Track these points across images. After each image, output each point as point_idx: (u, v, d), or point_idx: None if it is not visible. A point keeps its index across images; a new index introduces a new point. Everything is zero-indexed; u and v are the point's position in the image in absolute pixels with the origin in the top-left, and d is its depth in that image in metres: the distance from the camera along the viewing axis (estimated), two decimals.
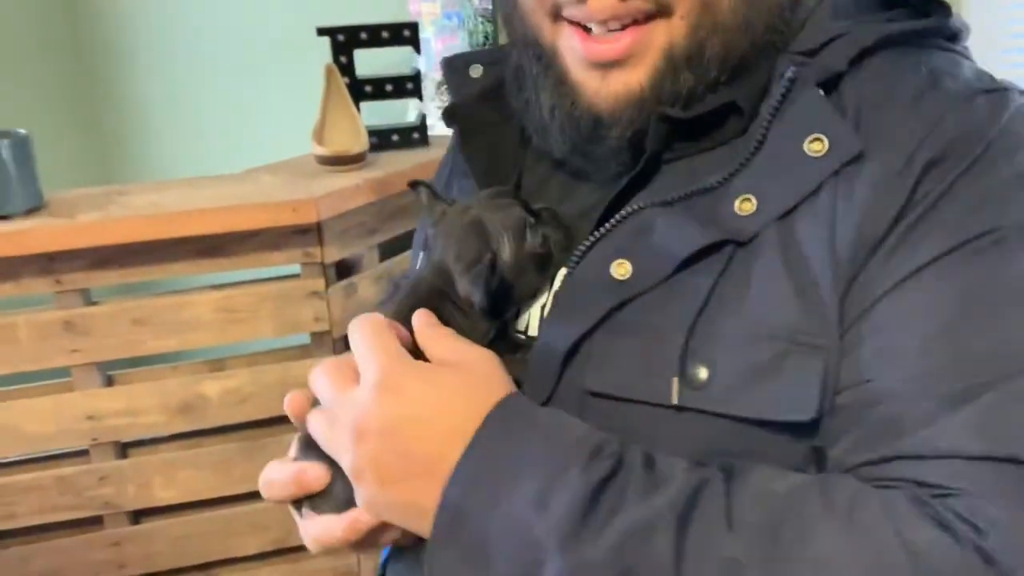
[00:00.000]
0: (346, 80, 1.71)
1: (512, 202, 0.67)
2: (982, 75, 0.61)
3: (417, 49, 1.79)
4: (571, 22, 0.63)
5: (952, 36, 0.64)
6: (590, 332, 0.59)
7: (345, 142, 1.65)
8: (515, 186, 0.75)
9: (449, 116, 0.77)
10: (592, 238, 0.62)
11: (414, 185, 0.72)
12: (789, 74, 0.60)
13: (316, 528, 0.61)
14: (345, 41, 1.73)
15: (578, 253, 0.63)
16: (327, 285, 1.59)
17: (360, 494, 0.57)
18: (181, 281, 1.71)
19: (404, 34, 1.76)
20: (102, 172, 2.28)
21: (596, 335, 0.59)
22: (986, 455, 0.48)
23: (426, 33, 1.94)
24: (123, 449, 1.62)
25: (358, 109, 1.70)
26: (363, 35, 1.74)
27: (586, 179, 0.70)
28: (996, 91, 0.59)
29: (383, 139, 1.78)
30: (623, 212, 0.62)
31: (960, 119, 0.56)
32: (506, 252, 0.64)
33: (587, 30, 0.62)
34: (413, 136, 1.83)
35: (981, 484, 0.48)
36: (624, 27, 0.61)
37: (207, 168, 1.89)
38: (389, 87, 1.79)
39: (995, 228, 0.53)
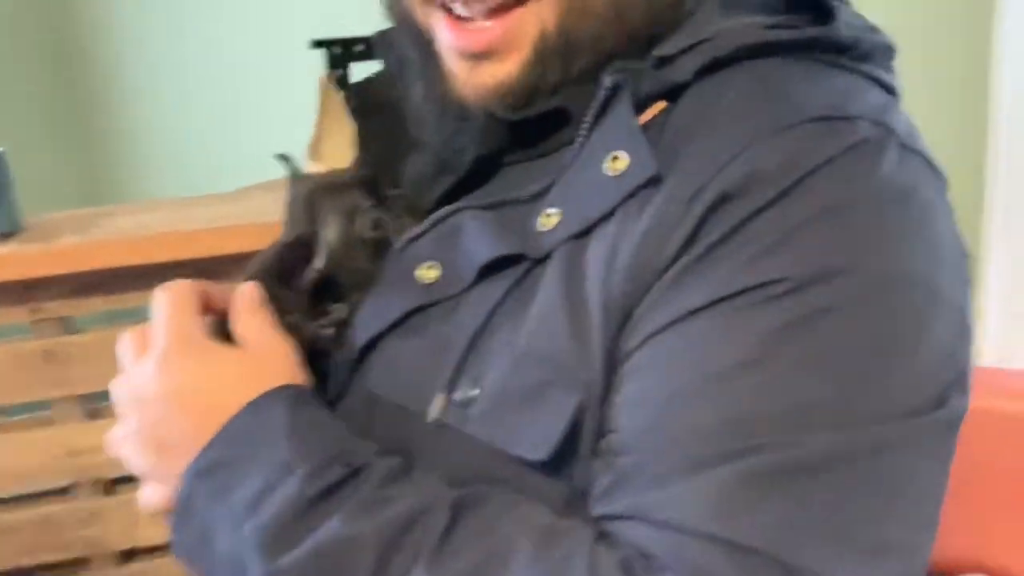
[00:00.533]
0: (342, 94, 1.62)
1: (352, 182, 0.67)
2: (839, 100, 0.52)
3: None
4: (441, 5, 0.59)
5: (843, 48, 0.56)
6: (385, 332, 0.58)
7: (341, 158, 1.56)
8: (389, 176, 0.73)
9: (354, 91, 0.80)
10: (408, 236, 0.60)
11: (282, 158, 0.76)
12: (608, 83, 0.54)
13: (141, 494, 0.62)
14: (341, 55, 1.64)
15: (395, 250, 0.61)
16: None
17: (135, 462, 0.59)
18: None
19: None
20: (84, 194, 2.18)
21: (391, 337, 0.58)
22: (713, 535, 0.44)
23: None
24: (108, 486, 1.53)
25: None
26: (359, 48, 1.65)
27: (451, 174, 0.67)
28: (835, 119, 0.50)
29: None
30: (443, 212, 0.59)
31: (771, 148, 0.49)
32: (331, 233, 0.63)
33: (457, 18, 0.58)
34: None
35: (701, 567, 0.44)
36: (492, 12, 0.56)
37: (197, 187, 1.80)
38: None
39: (782, 278, 0.46)
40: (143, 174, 2.20)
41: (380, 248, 0.63)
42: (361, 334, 0.59)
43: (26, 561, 1.49)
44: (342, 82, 1.64)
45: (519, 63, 0.57)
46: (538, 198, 0.56)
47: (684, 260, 0.48)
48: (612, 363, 0.50)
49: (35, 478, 1.47)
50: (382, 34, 0.77)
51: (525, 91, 0.58)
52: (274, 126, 2.05)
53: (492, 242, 0.55)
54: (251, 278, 0.64)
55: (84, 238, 1.39)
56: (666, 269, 0.49)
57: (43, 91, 2.16)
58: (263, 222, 1.41)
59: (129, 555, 1.55)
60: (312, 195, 0.67)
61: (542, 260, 0.54)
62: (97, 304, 1.44)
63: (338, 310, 0.64)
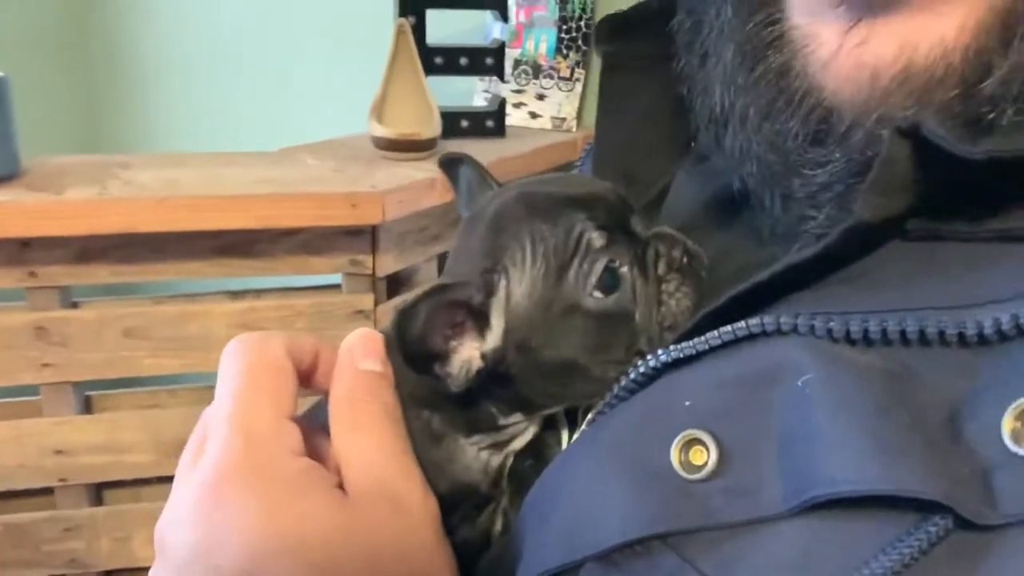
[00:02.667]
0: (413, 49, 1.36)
1: (595, 196, 0.42)
2: None
3: (504, 15, 1.44)
4: None
5: None
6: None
7: (413, 123, 1.30)
8: (657, 196, 0.49)
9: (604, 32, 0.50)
10: (673, 351, 0.37)
11: (450, 163, 0.50)
12: None
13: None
14: None
15: (635, 375, 0.38)
16: (376, 303, 1.27)
17: None
18: (189, 284, 1.37)
19: None
20: (94, 137, 1.90)
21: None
22: None
23: None
24: (97, 493, 1.31)
25: None
26: None
27: (769, 225, 0.41)
28: None
29: (449, 124, 1.43)
30: (758, 323, 0.35)
31: None
32: (516, 285, 0.40)
33: None
34: (487, 124, 1.49)
35: None
36: None
37: (228, 143, 1.53)
38: (464, 60, 1.45)
39: None
40: (166, 122, 1.91)
41: (615, 326, 0.41)
42: (554, 552, 0.35)
43: None
44: (419, 31, 1.38)
45: (971, 18, 0.32)
46: (992, 350, 0.30)
47: None
48: None
49: (12, 477, 1.24)
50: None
51: (976, 89, 0.32)
52: (330, 75, 1.78)
53: (863, 446, 0.29)
54: (406, 342, 0.39)
55: (98, 191, 1.12)
56: None
57: (53, 15, 1.87)
58: (320, 192, 1.17)
59: None
60: (502, 216, 0.42)
61: (999, 527, 0.28)
62: (102, 274, 1.20)
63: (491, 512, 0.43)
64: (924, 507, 0.28)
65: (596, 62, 1.60)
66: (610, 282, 0.39)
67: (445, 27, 1.51)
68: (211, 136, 1.79)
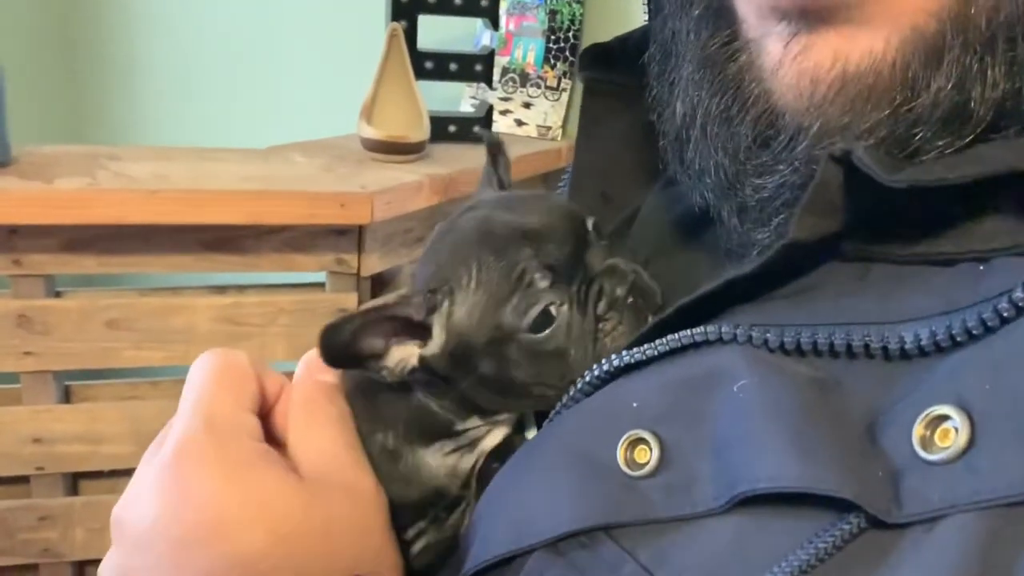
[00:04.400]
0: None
1: (551, 229, 0.43)
2: None
3: (495, 23, 1.46)
4: None
5: None
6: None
7: (402, 125, 1.32)
8: (630, 217, 0.51)
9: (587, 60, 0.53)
10: (624, 357, 0.39)
11: (496, 147, 0.51)
12: None
13: None
14: (409, 3, 1.40)
15: (590, 378, 0.40)
16: (359, 302, 1.28)
17: None
18: (174, 278, 1.37)
19: (481, 2, 1.44)
20: (80, 129, 1.89)
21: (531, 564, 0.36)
22: None
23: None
24: (73, 483, 1.30)
25: None
26: None
27: (726, 242, 0.43)
28: None
29: (436, 129, 1.45)
30: (702, 332, 0.37)
31: None
32: (459, 307, 0.43)
33: None
34: (473, 130, 1.50)
35: None
36: None
37: (215, 140, 1.53)
38: (454, 66, 1.47)
39: None
40: (152, 117, 1.90)
41: (548, 352, 0.42)
42: (504, 538, 0.37)
43: None
44: (410, 35, 1.40)
45: (898, 32, 0.34)
46: (911, 363, 0.32)
47: None
48: None
49: None
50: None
51: (904, 110, 0.34)
52: (320, 76, 1.79)
53: (786, 448, 0.31)
54: (328, 348, 0.41)
55: (86, 182, 1.12)
56: None
57: (39, 5, 1.86)
58: (310, 191, 1.18)
59: (87, 566, 1.33)
60: (460, 238, 0.45)
61: (905, 525, 0.29)
62: (88, 265, 1.19)
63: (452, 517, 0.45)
64: (839, 506, 0.30)
65: None
66: (544, 323, 0.41)
67: (435, 33, 1.52)
68: (198, 132, 1.79)
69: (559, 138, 1.61)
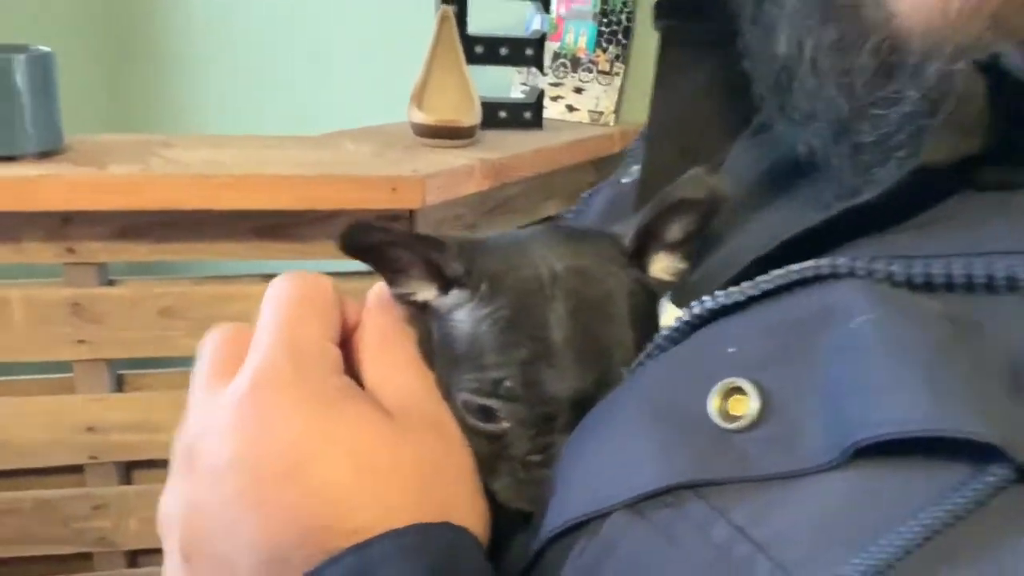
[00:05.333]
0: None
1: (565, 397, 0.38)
2: None
3: (546, 6, 1.44)
4: None
5: None
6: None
7: (453, 110, 1.30)
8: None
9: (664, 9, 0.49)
10: (719, 298, 0.35)
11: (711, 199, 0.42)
12: None
13: None
14: None
15: (678, 324, 0.36)
16: None
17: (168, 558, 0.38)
18: (226, 266, 1.37)
19: None
20: (127, 118, 1.89)
21: (628, 517, 0.32)
22: None
23: None
24: (126, 472, 1.30)
25: None
26: None
27: (835, 187, 0.38)
28: None
29: (487, 114, 1.42)
30: (812, 266, 0.33)
31: None
32: (458, 310, 0.40)
33: None
34: (524, 116, 1.48)
35: None
36: None
37: (265, 129, 1.53)
38: (504, 51, 1.44)
39: None
40: (202, 104, 1.90)
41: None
42: (581, 501, 0.33)
43: (19, 551, 1.25)
44: (460, 21, 1.38)
45: None
46: None
47: None
48: None
49: (46, 453, 1.24)
50: None
51: None
52: (368, 64, 1.77)
53: (916, 387, 0.27)
54: (349, 242, 0.40)
55: (139, 167, 1.12)
56: None
57: None
58: (362, 175, 1.16)
59: (140, 555, 1.32)
60: (509, 271, 0.40)
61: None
62: (140, 252, 1.19)
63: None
64: (978, 456, 0.25)
65: (636, 56, 1.59)
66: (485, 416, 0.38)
67: (484, 18, 1.50)
68: (248, 121, 1.78)
69: (612, 123, 1.58)
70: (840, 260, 0.32)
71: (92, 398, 1.23)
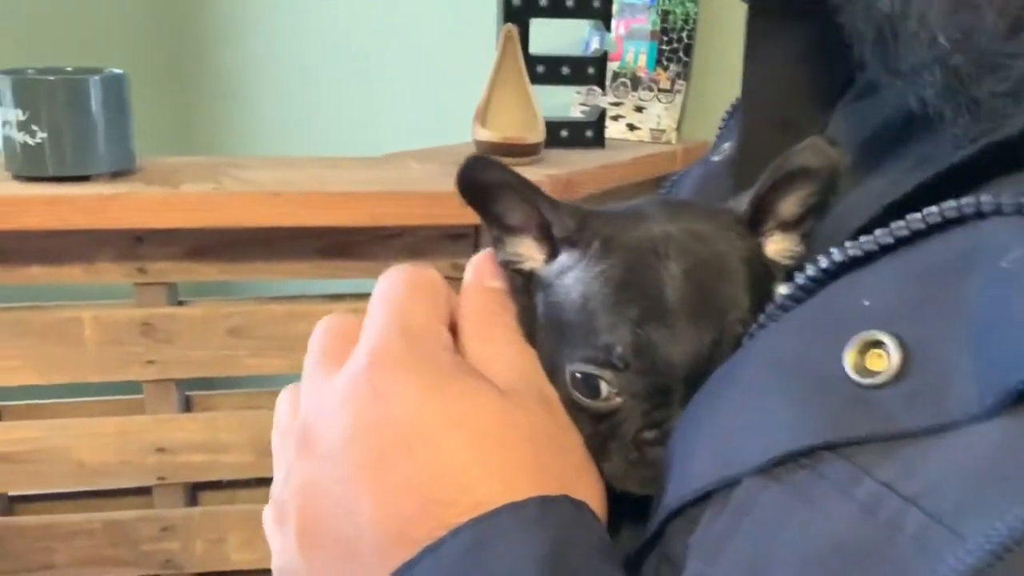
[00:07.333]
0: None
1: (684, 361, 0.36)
2: None
3: (607, 24, 1.43)
4: None
5: None
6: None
7: (517, 127, 1.29)
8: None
9: None
10: (849, 249, 0.33)
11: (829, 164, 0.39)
12: None
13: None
14: (521, 5, 1.38)
15: (803, 281, 0.34)
16: None
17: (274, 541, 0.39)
18: (293, 286, 1.37)
19: (594, 4, 1.41)
20: (189, 141, 1.91)
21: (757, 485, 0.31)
22: None
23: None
24: (192, 493, 1.30)
25: None
26: (543, 0, 1.39)
27: (952, 143, 0.34)
28: None
29: (548, 133, 1.42)
30: (953, 206, 0.30)
31: None
32: (572, 272, 0.39)
33: None
34: (586, 134, 1.47)
35: None
36: None
37: (329, 150, 1.53)
38: (566, 70, 1.44)
39: None
40: (263, 128, 1.92)
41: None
42: (707, 470, 0.32)
43: (91, 574, 1.25)
44: (522, 40, 1.38)
45: None
46: None
47: None
48: None
49: (116, 474, 1.24)
50: None
51: None
52: (431, 85, 1.78)
53: None
54: (467, 177, 0.40)
55: (211, 187, 1.13)
56: None
57: (158, 21, 1.89)
58: (426, 190, 1.16)
59: None
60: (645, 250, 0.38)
61: None
62: (211, 272, 1.20)
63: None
64: None
65: (697, 74, 1.58)
66: (591, 390, 0.37)
67: (541, 39, 1.50)
68: (312, 143, 1.79)
69: (673, 141, 1.57)
70: (984, 197, 0.30)
71: (161, 418, 1.23)
